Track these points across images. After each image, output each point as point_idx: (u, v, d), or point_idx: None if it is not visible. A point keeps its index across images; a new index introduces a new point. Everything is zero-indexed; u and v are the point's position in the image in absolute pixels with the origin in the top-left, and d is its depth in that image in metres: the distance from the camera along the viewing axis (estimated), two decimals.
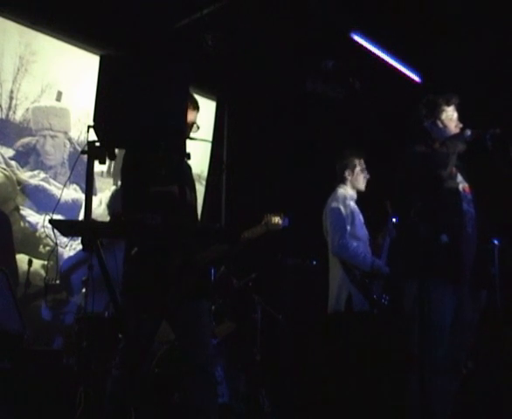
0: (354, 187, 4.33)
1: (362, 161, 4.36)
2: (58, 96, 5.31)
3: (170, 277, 2.90)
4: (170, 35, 5.12)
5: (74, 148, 5.33)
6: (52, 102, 5.28)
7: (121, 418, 2.99)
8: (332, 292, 4.19)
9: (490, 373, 4.06)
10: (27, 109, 5.08)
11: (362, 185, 4.34)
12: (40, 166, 5.12)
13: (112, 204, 5.01)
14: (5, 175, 4.76)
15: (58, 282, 4.66)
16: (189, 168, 3.18)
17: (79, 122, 5.25)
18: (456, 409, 3.38)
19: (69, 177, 4.96)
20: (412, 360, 3.20)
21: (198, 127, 3.24)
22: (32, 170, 5.02)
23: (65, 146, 5.33)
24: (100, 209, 5.21)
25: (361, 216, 4.27)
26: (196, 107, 3.22)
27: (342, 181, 4.34)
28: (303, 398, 4.67)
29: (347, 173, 4.33)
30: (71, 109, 5.35)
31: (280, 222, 3.76)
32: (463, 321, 3.35)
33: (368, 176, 4.36)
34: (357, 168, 4.33)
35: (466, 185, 3.45)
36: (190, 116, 3.16)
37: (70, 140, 5.34)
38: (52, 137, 5.26)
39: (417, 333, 3.12)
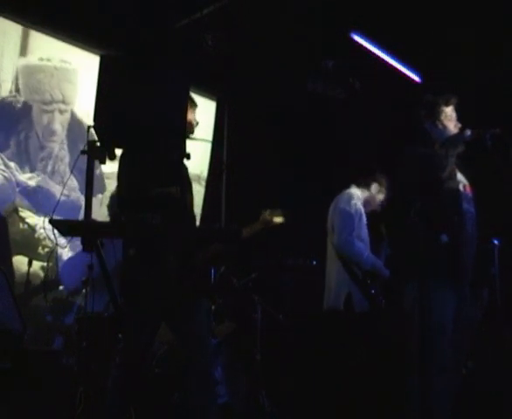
0: (369, 198, 4.35)
1: (382, 194, 4.42)
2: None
3: (169, 277, 2.91)
4: (170, 35, 5.12)
5: (74, 121, 4.78)
6: (63, 63, 4.60)
7: (121, 418, 2.99)
8: (329, 289, 4.20)
9: (490, 373, 4.06)
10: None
11: (374, 205, 4.39)
12: (39, 148, 4.69)
13: (112, 205, 5.00)
14: (4, 176, 4.74)
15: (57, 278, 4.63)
16: (185, 168, 3.18)
17: (84, 115, 5.22)
18: (456, 409, 3.38)
19: (69, 177, 4.94)
20: (413, 360, 3.20)
21: (197, 122, 3.24)
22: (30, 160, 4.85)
23: (67, 119, 4.81)
24: (100, 209, 5.20)
25: (365, 218, 4.29)
26: (193, 105, 3.22)
27: (365, 184, 4.38)
28: (303, 398, 4.66)
29: (374, 186, 4.38)
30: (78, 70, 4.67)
31: (278, 218, 3.78)
32: (463, 321, 3.35)
33: (379, 207, 4.41)
34: (382, 193, 4.39)
35: (466, 183, 3.46)
36: (189, 115, 3.16)
37: (72, 112, 4.87)
38: (62, 112, 4.65)
39: (417, 334, 3.12)
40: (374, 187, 4.40)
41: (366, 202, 4.36)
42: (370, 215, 4.37)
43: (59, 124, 4.52)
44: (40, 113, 4.50)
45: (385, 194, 4.42)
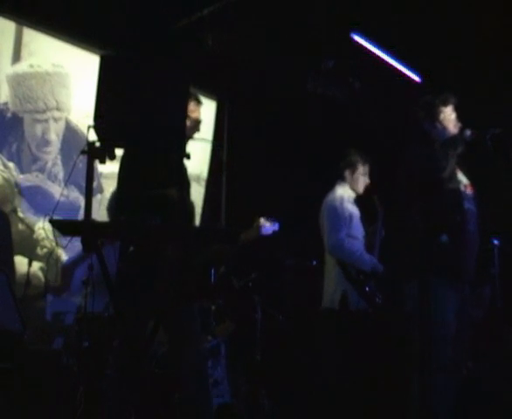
0: (352, 187, 4.33)
1: (365, 167, 4.35)
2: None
3: (168, 277, 2.91)
4: (170, 35, 5.12)
5: (68, 130, 4.61)
6: (56, 68, 4.38)
7: (120, 418, 2.99)
8: (327, 290, 4.20)
9: (490, 373, 4.06)
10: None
11: (359, 188, 4.33)
12: (37, 156, 4.52)
13: (111, 206, 4.98)
14: (3, 176, 4.72)
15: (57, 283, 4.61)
16: (184, 169, 3.18)
17: (79, 123, 5.20)
18: (456, 409, 3.38)
19: (69, 177, 4.93)
20: (415, 360, 3.21)
21: (201, 121, 3.25)
22: (29, 165, 4.77)
23: (61, 128, 4.60)
24: (99, 209, 5.19)
25: (358, 216, 4.27)
26: (198, 103, 3.23)
27: (342, 179, 4.34)
28: (303, 398, 4.67)
29: (347, 172, 4.33)
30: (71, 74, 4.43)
31: (270, 226, 3.78)
32: (464, 320, 3.35)
33: (368, 181, 4.36)
34: (358, 171, 4.32)
35: (467, 182, 3.46)
36: (195, 114, 3.17)
37: (67, 120, 4.70)
38: (56, 120, 4.48)
39: (419, 333, 3.13)
40: (347, 174, 4.31)
41: (358, 185, 4.31)
42: (362, 196, 4.33)
43: (54, 133, 4.30)
44: (33, 123, 4.30)
45: (364, 172, 4.33)
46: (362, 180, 4.33)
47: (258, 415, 4.38)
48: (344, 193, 4.26)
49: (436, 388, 3.12)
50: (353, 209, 4.23)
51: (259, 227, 3.75)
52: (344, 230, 4.10)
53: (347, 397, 3.98)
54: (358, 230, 4.23)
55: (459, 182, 3.40)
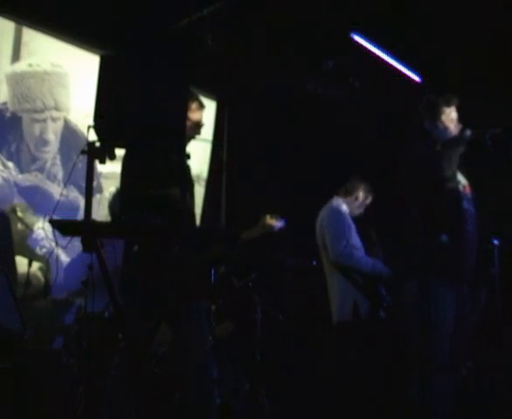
0: (348, 206, 4.32)
1: (369, 198, 4.37)
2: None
3: (169, 277, 2.91)
4: (170, 35, 5.12)
5: (67, 130, 4.62)
6: (55, 67, 4.39)
7: (120, 418, 2.99)
8: (334, 302, 4.17)
9: (490, 373, 4.06)
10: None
11: (356, 212, 4.34)
12: (35, 155, 4.53)
13: (113, 205, 4.97)
14: (2, 176, 4.72)
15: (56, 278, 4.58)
16: (188, 168, 3.18)
17: (78, 123, 5.20)
18: (456, 409, 3.38)
19: (68, 177, 4.92)
20: (414, 360, 3.21)
21: (203, 124, 3.25)
22: (28, 164, 4.76)
23: (60, 128, 4.60)
24: (98, 209, 5.18)
25: (353, 226, 4.27)
26: (201, 106, 3.23)
27: (343, 193, 4.34)
28: (303, 398, 4.66)
29: (362, 191, 4.32)
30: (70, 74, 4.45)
31: (276, 223, 3.78)
32: (463, 320, 3.35)
33: (362, 212, 4.36)
34: (361, 198, 4.33)
35: (465, 183, 3.46)
36: (196, 115, 3.17)
37: (66, 120, 4.69)
38: (54, 120, 4.51)
39: (418, 333, 3.13)
40: (361, 193, 4.34)
41: (353, 209, 4.33)
42: (358, 222, 4.34)
43: (52, 133, 4.34)
44: (31, 123, 4.36)
45: (371, 196, 4.37)
46: (360, 207, 4.35)
47: (258, 415, 4.38)
48: (340, 204, 4.28)
49: (436, 388, 3.12)
50: (350, 220, 4.25)
51: (265, 225, 3.75)
52: (348, 237, 4.10)
53: (347, 397, 3.98)
54: (357, 239, 4.23)
55: (458, 182, 3.41)
